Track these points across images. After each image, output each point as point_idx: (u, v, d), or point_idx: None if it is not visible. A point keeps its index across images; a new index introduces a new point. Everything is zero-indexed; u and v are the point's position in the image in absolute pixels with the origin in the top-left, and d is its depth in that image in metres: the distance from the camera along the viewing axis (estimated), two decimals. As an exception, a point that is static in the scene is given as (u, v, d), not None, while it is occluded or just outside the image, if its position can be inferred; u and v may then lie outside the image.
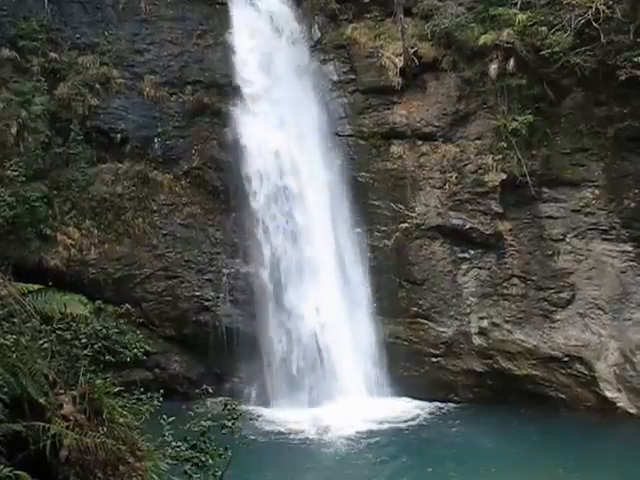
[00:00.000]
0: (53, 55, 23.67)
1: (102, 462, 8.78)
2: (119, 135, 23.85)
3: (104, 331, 12.10)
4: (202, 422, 11.24)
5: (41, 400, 8.69)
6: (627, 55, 20.44)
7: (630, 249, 21.82)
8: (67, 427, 8.68)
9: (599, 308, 21.95)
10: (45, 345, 10.02)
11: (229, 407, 11.66)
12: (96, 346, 11.49)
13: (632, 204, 21.71)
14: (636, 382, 21.31)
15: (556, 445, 18.87)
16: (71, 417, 8.87)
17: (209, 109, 24.19)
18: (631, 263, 21.80)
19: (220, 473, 10.75)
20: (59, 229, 22.80)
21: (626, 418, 21.05)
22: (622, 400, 21.32)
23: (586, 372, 21.71)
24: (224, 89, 24.30)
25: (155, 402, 11.05)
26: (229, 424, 11.45)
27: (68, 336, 10.85)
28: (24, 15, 23.71)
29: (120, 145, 23.89)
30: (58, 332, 10.81)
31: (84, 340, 11.16)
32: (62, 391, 9.28)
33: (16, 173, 21.38)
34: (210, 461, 10.85)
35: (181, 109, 24.18)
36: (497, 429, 20.37)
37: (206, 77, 24.37)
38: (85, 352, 10.90)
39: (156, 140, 24.07)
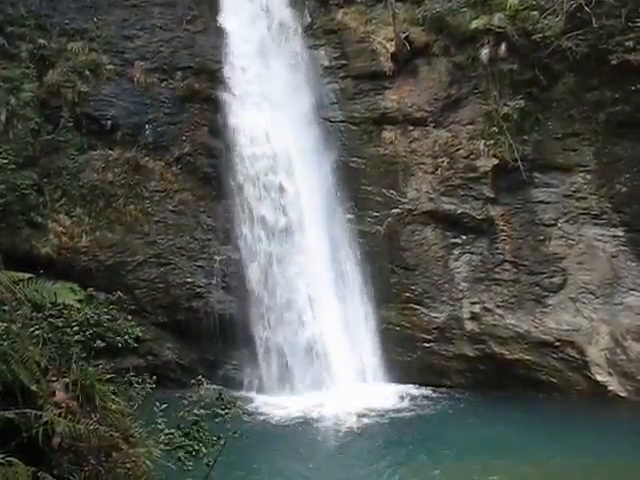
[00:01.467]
0: (42, 41, 23.51)
1: (95, 449, 8.81)
2: (109, 122, 23.74)
3: (96, 318, 12.11)
4: (195, 411, 11.27)
5: (33, 387, 8.70)
6: (618, 39, 20.41)
7: (621, 234, 21.88)
8: (60, 414, 8.69)
9: (590, 293, 22.03)
10: (37, 332, 10.03)
11: (223, 397, 11.69)
12: (88, 333, 11.50)
13: (623, 189, 21.74)
14: (627, 366, 21.44)
15: (545, 428, 18.97)
16: (63, 404, 8.88)
17: (200, 95, 24.09)
18: (622, 248, 21.86)
19: (212, 462, 10.78)
20: (50, 217, 22.72)
21: (617, 401, 21.19)
22: (613, 384, 21.45)
23: (577, 356, 21.81)
24: (215, 75, 24.20)
25: (147, 387, 11.07)
26: (222, 413, 11.48)
27: (60, 323, 10.87)
28: (11, 1, 23.52)
29: (110, 132, 23.77)
30: (50, 320, 10.82)
31: (76, 327, 11.17)
32: (54, 378, 9.30)
33: (6, 161, 21.26)
34: (203, 449, 10.88)
35: (172, 95, 24.06)
36: (489, 413, 20.44)
37: (197, 63, 24.25)
38: (77, 339, 10.90)
39: (147, 127, 23.97)
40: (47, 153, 22.98)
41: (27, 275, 11.75)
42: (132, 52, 24.17)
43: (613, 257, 21.87)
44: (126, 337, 12.56)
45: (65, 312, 11.47)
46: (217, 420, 11.36)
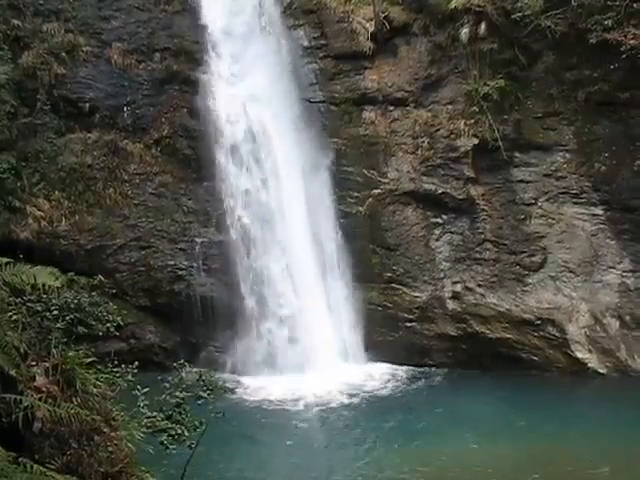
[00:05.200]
0: (16, 22, 23.11)
1: (76, 432, 8.80)
2: (87, 104, 23.51)
3: (76, 302, 12.05)
4: (177, 393, 11.28)
5: (12, 372, 8.65)
6: (597, 18, 20.41)
7: (600, 212, 22.05)
8: (40, 399, 8.66)
9: (570, 271, 22.22)
10: (15, 317, 9.95)
11: (204, 378, 11.70)
12: (68, 318, 11.45)
13: (602, 168, 21.88)
14: (606, 343, 21.72)
15: (526, 405, 19.23)
16: (44, 389, 8.85)
17: (179, 77, 23.88)
18: (601, 226, 22.05)
19: (195, 445, 10.81)
20: (28, 201, 22.50)
21: (596, 378, 21.52)
22: (592, 361, 21.72)
23: (558, 334, 22.02)
24: (193, 56, 23.98)
25: (129, 371, 11.06)
26: (204, 395, 11.50)
27: (39, 308, 10.81)
28: (-18, -20, 23.13)
29: (89, 115, 23.55)
30: (29, 304, 10.74)
31: (55, 312, 11.11)
32: (34, 363, 9.26)
33: (-18, 144, 21.03)
34: (186, 433, 10.90)
35: (150, 77, 23.84)
36: (471, 391, 20.61)
37: (175, 44, 24.00)
38: (57, 324, 10.84)
39: (125, 109, 23.76)
40: (24, 136, 22.73)
41: (5, 259, 11.64)
42: (109, 33, 23.88)
43: (592, 236, 22.06)
44: (108, 325, 12.51)
45: (44, 296, 11.40)
46: (199, 403, 11.38)
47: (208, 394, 11.41)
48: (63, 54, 23.26)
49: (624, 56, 19.83)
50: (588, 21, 20.60)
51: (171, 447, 10.65)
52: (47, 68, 23.01)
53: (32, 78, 22.98)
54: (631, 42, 19.65)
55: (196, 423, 10.99)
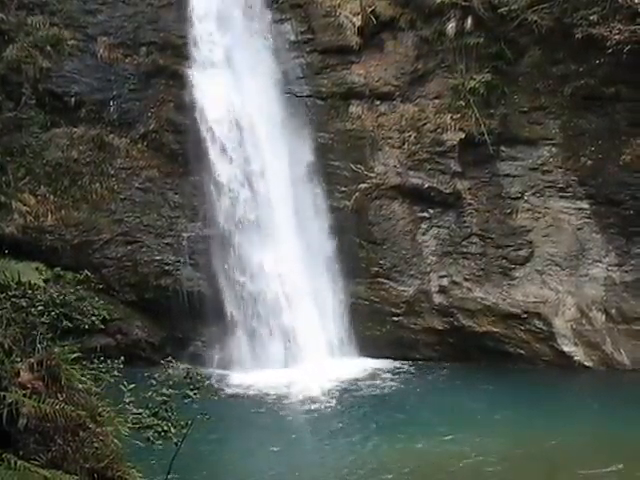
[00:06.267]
0: (-1, 15, 22.97)
1: (62, 428, 8.76)
2: (73, 99, 23.38)
3: (61, 298, 12.01)
4: (163, 390, 11.25)
5: (-4, 369, 8.60)
6: (583, 13, 20.52)
7: (586, 206, 22.17)
8: (25, 395, 8.62)
9: (556, 265, 22.33)
10: (-1, 313, 9.89)
11: (191, 376, 11.68)
12: (53, 313, 11.41)
13: (588, 162, 21.99)
14: (592, 336, 21.85)
15: (512, 398, 19.32)
16: (29, 385, 8.81)
17: (165, 71, 23.77)
18: (587, 220, 22.17)
19: (180, 442, 10.79)
20: (14, 196, 22.25)
21: (582, 371, 21.70)
22: (579, 354, 21.85)
23: (544, 328, 22.14)
24: (180, 50, 23.86)
25: (115, 372, 11.03)
26: (191, 393, 11.47)
27: (24, 304, 10.76)
28: (-35, -28, 22.90)
29: (74, 109, 23.42)
30: (13, 300, 10.69)
31: (41, 307, 11.07)
32: (19, 359, 9.21)
33: (-34, 139, 20.86)
34: (172, 430, 10.88)
35: (136, 71, 23.73)
36: (457, 385, 20.75)
37: (161, 38, 23.89)
38: (42, 320, 10.80)
39: (111, 103, 23.66)
40: (9, 131, 22.52)
41: (-10, 255, 11.59)
42: (95, 27, 23.75)
43: (578, 229, 22.19)
44: (93, 319, 12.48)
45: (29, 292, 11.35)
46: (186, 401, 11.37)
47: (194, 393, 11.38)
48: (48, 48, 23.02)
49: (609, 51, 19.95)
50: (574, 16, 20.70)
51: (157, 443, 10.63)
52: (32, 62, 22.77)
53: (17, 72, 22.75)
54: (616, 37, 19.74)
55: (182, 423, 10.96)
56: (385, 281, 23.14)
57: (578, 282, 22.18)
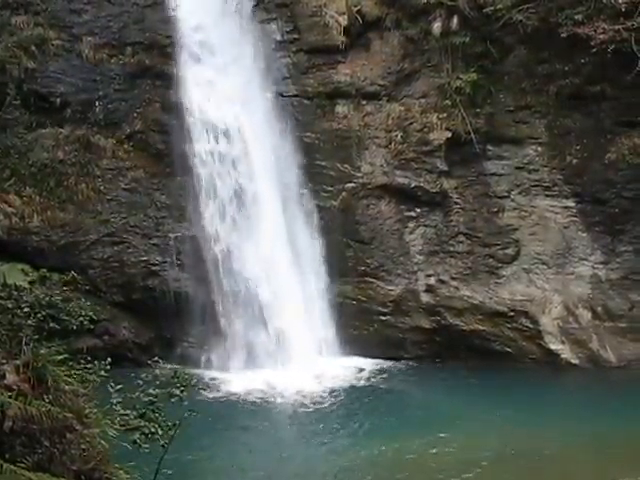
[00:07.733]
0: (-17, 15, 22.83)
1: (48, 430, 8.72)
2: (58, 99, 23.17)
3: (47, 299, 11.95)
4: (150, 391, 11.22)
5: (-19, 371, 8.55)
6: (568, 13, 20.61)
7: (572, 205, 22.30)
8: (10, 397, 8.57)
9: (543, 263, 22.45)
10: (-16, 315, 9.83)
11: (178, 376, 11.66)
12: (39, 315, 11.35)
13: (574, 160, 22.11)
14: (578, 334, 21.98)
15: (499, 397, 19.38)
16: (14, 387, 8.76)
17: (151, 71, 23.65)
18: (573, 218, 22.30)
19: (167, 444, 10.76)
20: (-1, 197, 22.23)
21: (569, 368, 21.80)
22: (565, 352, 21.97)
23: (531, 326, 22.24)
24: (165, 50, 23.74)
25: (102, 373, 10.99)
26: (178, 392, 11.45)
27: (9, 305, 10.70)
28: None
29: (60, 109, 23.23)
30: (-2, 301, 10.62)
31: (27, 309, 11.01)
32: (4, 361, 9.16)
33: (-49, 140, 20.73)
34: (159, 431, 10.86)
35: (122, 71, 23.56)
36: (444, 383, 20.80)
37: (147, 38, 23.74)
38: (29, 321, 10.75)
39: (97, 104, 23.46)
40: (-6, 131, 22.46)
41: (-25, 257, 11.52)
42: (80, 27, 23.54)
43: (564, 228, 22.31)
44: (80, 319, 12.44)
45: (15, 293, 11.30)
46: (173, 400, 11.33)
47: (181, 391, 11.35)
48: (33, 48, 22.94)
49: (594, 50, 20.04)
50: (559, 15, 20.80)
51: (144, 446, 10.59)
52: (16, 62, 22.68)
53: (1, 72, 22.62)
54: (601, 37, 19.85)
55: (169, 424, 10.93)
56: (372, 280, 23.17)
57: (564, 280, 22.30)
